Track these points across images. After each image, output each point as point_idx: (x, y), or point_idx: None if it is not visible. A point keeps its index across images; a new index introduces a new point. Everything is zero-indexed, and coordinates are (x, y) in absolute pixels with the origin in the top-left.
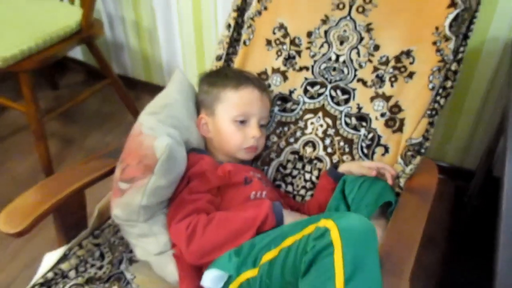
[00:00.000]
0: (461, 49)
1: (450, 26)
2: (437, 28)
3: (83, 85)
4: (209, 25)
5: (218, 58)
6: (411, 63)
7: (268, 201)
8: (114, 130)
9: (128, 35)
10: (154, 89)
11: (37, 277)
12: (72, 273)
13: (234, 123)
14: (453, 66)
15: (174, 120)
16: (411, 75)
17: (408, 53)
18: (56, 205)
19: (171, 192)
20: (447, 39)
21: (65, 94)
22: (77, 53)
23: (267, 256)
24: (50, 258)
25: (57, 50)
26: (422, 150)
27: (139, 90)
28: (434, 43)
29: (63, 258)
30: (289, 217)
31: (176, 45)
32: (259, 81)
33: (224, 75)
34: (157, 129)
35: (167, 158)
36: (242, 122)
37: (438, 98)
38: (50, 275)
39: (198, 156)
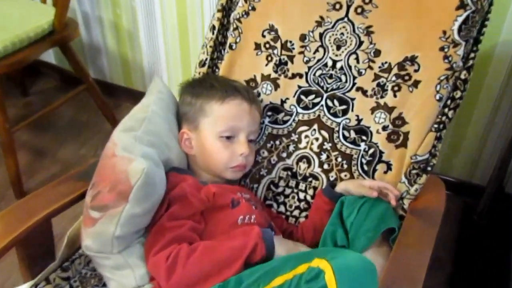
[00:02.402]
0: (472, 55)
1: (459, 30)
2: (444, 32)
3: (56, 91)
4: (196, 26)
5: (202, 63)
6: (416, 71)
7: (257, 228)
8: (90, 141)
9: (106, 36)
10: (134, 96)
11: None
12: None
13: (220, 139)
14: (463, 74)
15: (153, 136)
16: (416, 84)
17: (412, 60)
18: (19, 238)
19: (149, 220)
20: (455, 44)
21: (36, 101)
22: (50, 56)
23: None
24: None
25: (27, 53)
26: (429, 168)
27: (118, 97)
28: (442, 48)
29: None
30: (281, 246)
31: (159, 47)
32: (248, 92)
33: (209, 85)
34: (132, 150)
35: (142, 184)
36: (229, 138)
37: (446, 110)
38: None
39: (179, 177)
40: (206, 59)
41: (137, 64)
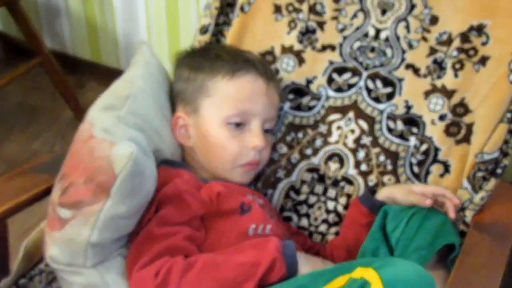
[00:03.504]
0: None
1: None
2: None
3: (1, 66)
4: None
5: (203, 30)
6: (483, 44)
7: (276, 239)
8: (45, 133)
9: None
10: (104, 74)
11: None
12: None
13: (227, 126)
14: None
15: (139, 119)
16: (483, 61)
17: (479, 29)
18: None
19: (134, 224)
20: None
21: None
22: None
23: None
24: None
25: None
26: (498, 170)
27: (83, 74)
28: None
29: None
30: (307, 265)
31: (138, 9)
32: (264, 66)
33: (214, 55)
34: (115, 131)
35: (130, 174)
36: (239, 125)
37: None
38: None
39: (173, 172)
40: (209, 24)
41: (108, 32)
